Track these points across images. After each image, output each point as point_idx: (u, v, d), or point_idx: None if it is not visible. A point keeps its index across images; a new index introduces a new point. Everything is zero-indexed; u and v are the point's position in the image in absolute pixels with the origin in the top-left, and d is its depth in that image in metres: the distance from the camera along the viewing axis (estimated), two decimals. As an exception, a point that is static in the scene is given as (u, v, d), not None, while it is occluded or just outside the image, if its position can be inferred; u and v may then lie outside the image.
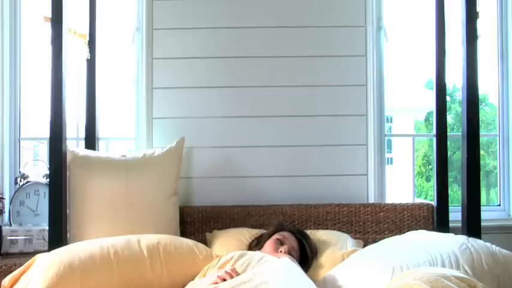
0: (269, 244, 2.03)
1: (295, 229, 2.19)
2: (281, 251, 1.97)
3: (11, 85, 2.70)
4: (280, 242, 2.03)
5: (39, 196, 2.51)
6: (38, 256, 1.77)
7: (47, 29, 2.12)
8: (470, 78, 2.24)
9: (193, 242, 2.01)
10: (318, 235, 2.28)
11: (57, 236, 2.04)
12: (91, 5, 2.61)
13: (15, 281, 1.73)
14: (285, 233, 2.09)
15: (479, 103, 2.30)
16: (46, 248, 2.15)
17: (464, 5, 2.25)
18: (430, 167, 11.07)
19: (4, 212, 2.50)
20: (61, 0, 2.08)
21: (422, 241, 1.94)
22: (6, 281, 1.74)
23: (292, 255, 1.96)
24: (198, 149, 2.62)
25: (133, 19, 2.69)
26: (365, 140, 2.65)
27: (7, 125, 2.68)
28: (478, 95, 2.26)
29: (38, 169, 2.77)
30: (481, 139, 2.27)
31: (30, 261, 1.76)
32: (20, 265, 1.81)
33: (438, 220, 2.47)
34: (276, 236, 2.06)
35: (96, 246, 1.80)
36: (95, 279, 1.70)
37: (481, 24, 2.28)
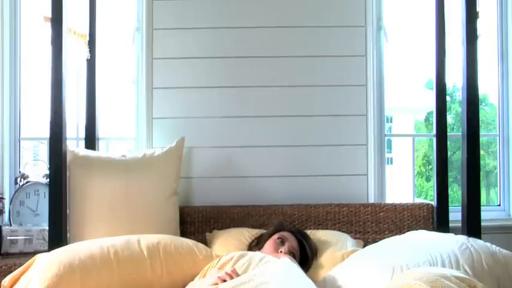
0: (269, 244, 2.03)
1: (295, 229, 2.19)
2: (281, 251, 1.96)
3: (11, 85, 2.70)
4: (281, 242, 2.03)
5: (39, 196, 2.51)
6: (37, 256, 1.77)
7: (47, 29, 2.12)
8: (470, 78, 2.25)
9: (193, 242, 2.01)
10: (318, 235, 2.28)
11: (57, 236, 2.04)
12: (91, 5, 2.61)
13: (15, 281, 1.73)
14: (285, 233, 2.08)
15: (479, 103, 2.30)
16: (46, 248, 2.15)
17: (464, 5, 2.25)
18: (430, 167, 11.07)
19: (4, 212, 2.50)
20: (61, 0, 2.08)
21: (422, 241, 1.94)
22: (6, 281, 1.74)
23: (293, 255, 1.96)
24: (198, 149, 2.61)
25: (134, 19, 2.69)
26: (365, 140, 2.65)
27: (7, 125, 2.68)
28: (478, 95, 2.26)
29: (38, 169, 2.77)
30: (481, 139, 2.27)
31: (30, 261, 1.76)
32: (20, 265, 1.81)
33: (438, 220, 2.47)
34: (276, 236, 2.06)
35: (96, 246, 1.80)
36: (95, 279, 1.70)
37: (481, 24, 2.28)
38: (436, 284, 1.36)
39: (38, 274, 1.65)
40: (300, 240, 2.09)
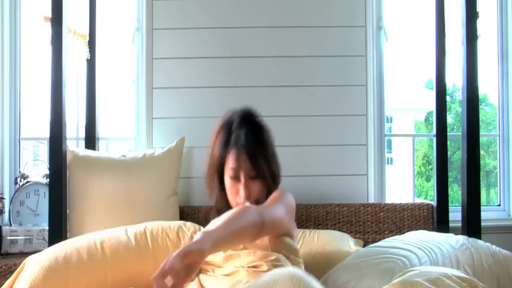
0: (229, 189, 1.66)
1: (240, 137, 1.65)
2: (240, 196, 1.63)
3: (11, 85, 2.70)
4: (235, 178, 1.64)
5: (39, 196, 2.51)
6: (27, 260, 1.76)
7: (47, 29, 2.13)
8: (470, 78, 2.25)
9: (182, 221, 2.00)
10: (318, 235, 2.27)
11: (57, 236, 2.03)
12: (91, 5, 2.61)
13: None
14: (233, 157, 1.63)
15: (479, 103, 2.30)
16: (46, 248, 2.15)
17: (464, 5, 2.25)
18: (430, 167, 11.08)
19: (4, 212, 2.50)
20: (61, 0, 2.08)
21: (422, 241, 1.94)
22: None
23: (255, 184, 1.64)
24: (198, 149, 2.61)
25: (134, 19, 2.69)
26: (365, 140, 2.65)
27: (7, 125, 2.68)
28: (478, 95, 2.26)
29: (38, 169, 2.77)
30: (481, 139, 2.27)
31: (21, 266, 1.74)
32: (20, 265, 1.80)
33: (438, 220, 2.47)
34: (229, 168, 1.64)
35: (83, 240, 1.80)
36: (83, 270, 1.69)
37: (481, 24, 2.28)
38: (437, 282, 1.35)
39: (24, 278, 1.64)
40: (251, 157, 1.63)
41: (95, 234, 1.85)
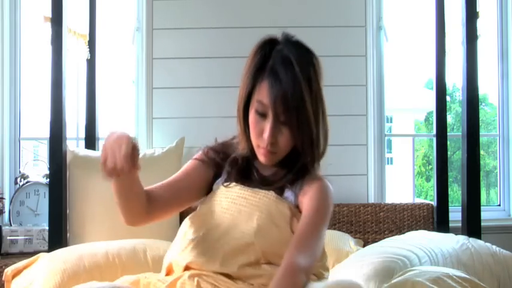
0: (252, 123, 1.27)
1: (284, 62, 1.24)
2: (264, 139, 1.23)
3: (11, 85, 2.70)
4: (261, 116, 1.24)
5: (39, 196, 2.51)
6: (41, 255, 1.77)
7: (47, 29, 2.13)
8: (470, 78, 2.25)
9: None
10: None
11: (57, 236, 2.04)
12: (91, 5, 2.61)
13: (17, 273, 1.74)
14: (267, 89, 1.23)
15: (479, 103, 2.30)
16: (46, 248, 2.15)
17: (464, 5, 2.25)
18: (430, 167, 11.08)
19: (4, 212, 2.50)
20: (61, 0, 2.08)
21: (423, 241, 1.94)
22: (9, 270, 1.74)
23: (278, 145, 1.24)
24: (198, 149, 2.61)
25: (133, 19, 2.69)
26: (365, 140, 2.65)
27: (7, 125, 2.68)
28: (478, 95, 2.27)
29: (38, 169, 2.77)
30: (481, 139, 2.27)
31: (33, 258, 1.76)
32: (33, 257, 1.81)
33: (438, 220, 2.47)
34: (257, 100, 1.26)
35: (101, 254, 1.79)
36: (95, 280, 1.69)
37: (481, 24, 2.28)
38: (438, 282, 1.35)
39: (40, 279, 1.65)
40: (287, 99, 1.19)
41: (113, 249, 1.85)
